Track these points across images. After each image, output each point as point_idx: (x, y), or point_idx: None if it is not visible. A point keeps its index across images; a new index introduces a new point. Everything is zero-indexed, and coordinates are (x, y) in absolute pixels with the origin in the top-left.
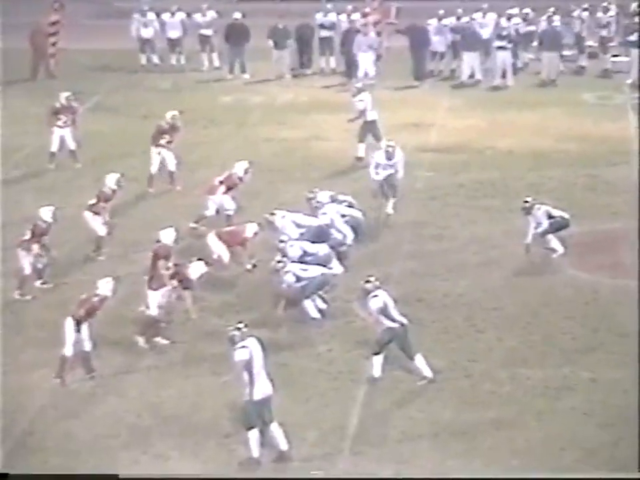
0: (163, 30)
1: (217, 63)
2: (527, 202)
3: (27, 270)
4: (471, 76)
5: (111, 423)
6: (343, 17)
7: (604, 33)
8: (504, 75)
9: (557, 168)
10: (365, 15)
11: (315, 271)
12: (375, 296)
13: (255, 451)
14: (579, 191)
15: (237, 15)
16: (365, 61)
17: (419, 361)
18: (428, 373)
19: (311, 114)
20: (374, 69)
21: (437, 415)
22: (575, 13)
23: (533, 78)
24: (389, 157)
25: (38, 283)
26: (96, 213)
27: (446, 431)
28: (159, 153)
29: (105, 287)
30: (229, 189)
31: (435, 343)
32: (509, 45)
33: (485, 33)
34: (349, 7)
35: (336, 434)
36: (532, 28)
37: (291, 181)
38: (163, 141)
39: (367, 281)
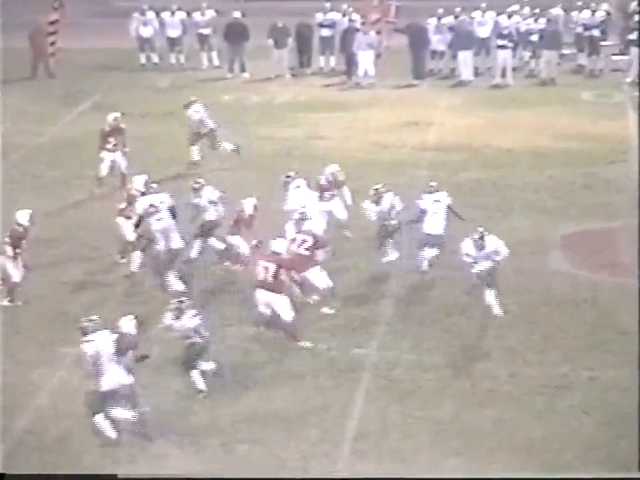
0: (163, 29)
1: (216, 62)
2: (377, 189)
3: (16, 277)
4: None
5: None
6: (339, 15)
7: (595, 33)
8: (504, 74)
9: (556, 166)
10: (356, 11)
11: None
12: (194, 317)
13: (112, 433)
14: (578, 189)
15: (237, 14)
16: (365, 60)
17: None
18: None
19: (311, 113)
20: (374, 68)
21: (436, 413)
22: (574, 13)
23: (532, 77)
24: (480, 247)
25: (5, 302)
26: (127, 217)
27: (446, 430)
28: (109, 157)
29: (128, 325)
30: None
31: (435, 342)
32: (510, 44)
33: (484, 32)
34: (344, 6)
35: (335, 433)
36: (532, 26)
37: None
38: (109, 145)
39: (181, 301)
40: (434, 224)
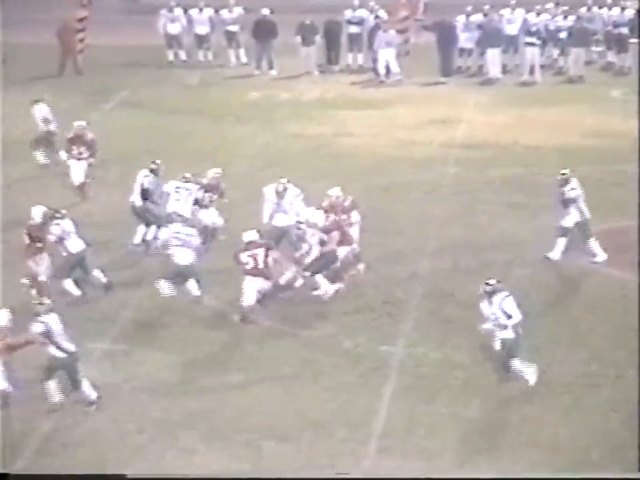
0: (191, 26)
1: (244, 59)
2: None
3: (43, 276)
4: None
5: (137, 418)
6: (367, 12)
7: (624, 30)
8: (532, 71)
9: (584, 164)
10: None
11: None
12: (40, 322)
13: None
14: (605, 186)
15: (265, 11)
16: (386, 58)
17: (85, 387)
18: (93, 395)
19: (338, 110)
20: (397, 65)
21: (463, 411)
22: (603, 10)
23: (561, 74)
24: (489, 305)
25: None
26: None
27: (472, 427)
28: (76, 165)
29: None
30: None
31: (462, 339)
32: (538, 41)
33: (513, 29)
34: (372, 3)
35: (363, 430)
36: (561, 23)
37: (318, 176)
38: (74, 152)
39: (40, 303)
40: (585, 209)
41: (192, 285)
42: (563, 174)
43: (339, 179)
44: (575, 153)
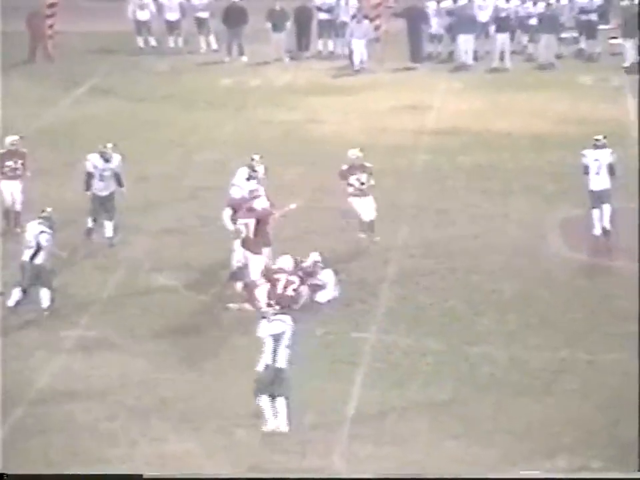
0: (161, 12)
1: (214, 46)
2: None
3: None
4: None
5: (109, 406)
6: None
7: (593, 17)
8: (502, 58)
9: (555, 150)
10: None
11: None
12: None
13: None
14: (576, 173)
15: None
16: (359, 47)
17: None
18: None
19: (309, 97)
20: (366, 53)
21: (435, 397)
22: None
23: (532, 61)
24: None
25: None
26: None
27: (444, 413)
28: (8, 187)
29: None
30: None
31: (433, 325)
32: (508, 27)
33: (484, 16)
34: None
35: (334, 416)
36: (531, 10)
37: (289, 163)
38: (7, 169)
39: None
40: (597, 180)
41: (44, 294)
42: (597, 140)
43: (310, 166)
44: (546, 139)
